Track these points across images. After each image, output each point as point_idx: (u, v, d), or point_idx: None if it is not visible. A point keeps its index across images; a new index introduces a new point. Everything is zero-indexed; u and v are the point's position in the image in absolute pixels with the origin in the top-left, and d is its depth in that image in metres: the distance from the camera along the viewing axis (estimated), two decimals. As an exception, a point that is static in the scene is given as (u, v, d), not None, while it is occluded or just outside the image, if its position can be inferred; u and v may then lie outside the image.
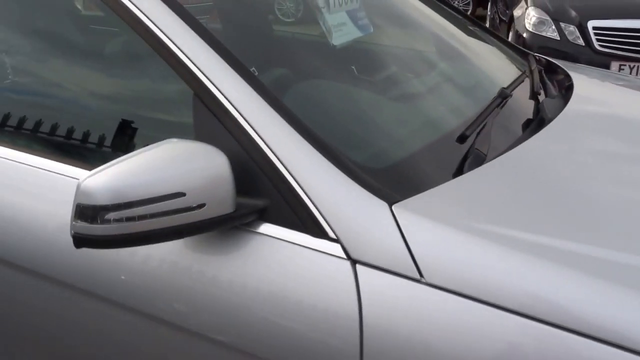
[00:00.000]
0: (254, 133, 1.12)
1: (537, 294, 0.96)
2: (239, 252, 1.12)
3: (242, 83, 1.16)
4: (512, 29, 6.20)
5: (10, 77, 1.58)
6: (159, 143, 1.08)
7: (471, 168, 1.22)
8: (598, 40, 5.31)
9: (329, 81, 1.57)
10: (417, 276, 1.02)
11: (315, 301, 1.05)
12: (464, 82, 1.77)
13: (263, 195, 1.11)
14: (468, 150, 1.26)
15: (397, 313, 1.01)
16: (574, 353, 0.93)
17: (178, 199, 1.02)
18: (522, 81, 1.76)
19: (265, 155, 1.11)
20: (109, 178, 1.00)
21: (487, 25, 8.34)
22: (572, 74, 1.95)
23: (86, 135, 1.35)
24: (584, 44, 5.34)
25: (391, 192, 1.09)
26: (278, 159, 1.11)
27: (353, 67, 1.76)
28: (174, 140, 1.09)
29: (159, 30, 1.19)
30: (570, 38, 5.45)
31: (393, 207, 1.07)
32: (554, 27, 5.54)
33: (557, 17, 5.54)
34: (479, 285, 0.99)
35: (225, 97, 1.15)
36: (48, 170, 1.28)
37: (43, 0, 1.62)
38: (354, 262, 1.05)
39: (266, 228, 1.11)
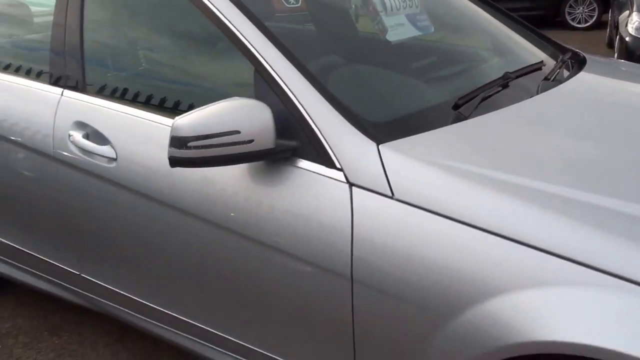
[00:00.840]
0: (292, 94, 1.63)
1: (475, 207, 1.39)
2: (280, 179, 1.64)
3: (285, 61, 1.67)
4: (618, 33, 6.35)
5: (142, 63, 2.19)
6: (227, 99, 1.61)
7: (444, 124, 1.66)
8: None
9: (348, 61, 2.05)
10: (390, 194, 1.48)
11: (329, 207, 1.53)
12: (470, 63, 2.18)
13: (295, 139, 1.62)
14: (449, 110, 1.70)
15: (374, 220, 1.48)
16: (506, 255, 1.33)
17: (235, 135, 1.55)
18: (539, 69, 2.12)
19: (297, 110, 1.62)
20: (192, 119, 1.55)
21: (608, 29, 8.53)
22: (595, 67, 2.27)
23: (183, 96, 1.93)
24: None
25: (380, 136, 1.56)
26: (307, 113, 1.61)
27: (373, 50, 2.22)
28: (237, 97, 1.62)
29: (236, 30, 1.73)
30: None
31: (379, 147, 1.54)
32: None
33: None
34: (435, 201, 1.43)
35: (275, 71, 1.66)
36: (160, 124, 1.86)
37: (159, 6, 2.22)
38: (350, 185, 1.54)
39: (298, 162, 1.62)
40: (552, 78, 2.06)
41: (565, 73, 2.19)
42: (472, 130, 1.69)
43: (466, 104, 1.75)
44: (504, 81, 1.93)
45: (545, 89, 1.99)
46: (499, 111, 1.79)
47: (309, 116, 1.61)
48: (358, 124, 1.60)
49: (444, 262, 1.40)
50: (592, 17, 10.65)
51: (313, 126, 1.61)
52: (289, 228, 1.61)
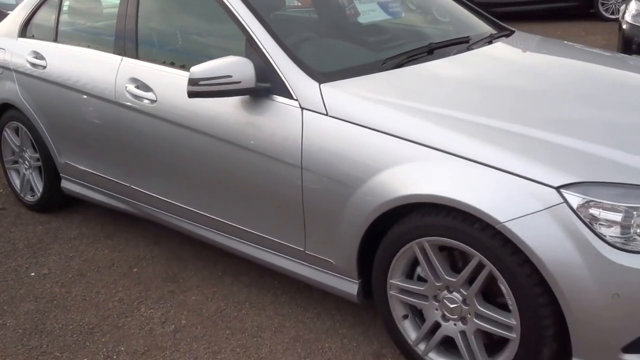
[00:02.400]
0: (268, 55, 2.56)
1: (377, 118, 2.28)
2: (260, 107, 2.56)
3: (266, 34, 2.59)
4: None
5: (179, 40, 3.15)
6: (227, 57, 2.54)
7: (372, 72, 2.56)
8: None
9: (319, 36, 2.98)
10: (325, 113, 2.40)
11: (289, 122, 2.45)
12: (416, 38, 3.10)
13: (269, 82, 2.54)
14: (378, 66, 2.61)
15: (315, 129, 2.39)
16: (393, 145, 2.19)
17: (229, 78, 2.48)
18: (466, 41, 3.00)
19: (270, 64, 2.54)
20: (203, 67, 2.48)
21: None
22: (514, 41, 3.17)
23: (191, 54, 2.87)
24: None
25: (321, 79, 2.47)
26: (277, 65, 2.53)
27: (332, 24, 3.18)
28: (232, 56, 2.55)
29: (239, 16, 2.66)
30: None
31: (320, 85, 2.45)
32: None
33: None
34: (351, 115, 2.33)
35: (258, 40, 2.59)
36: (182, 76, 2.80)
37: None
38: (302, 108, 2.45)
39: (270, 97, 2.54)
40: (469, 47, 2.94)
41: (486, 44, 3.06)
42: (386, 77, 2.58)
43: (390, 61, 2.65)
44: (428, 49, 2.82)
45: (458, 52, 2.87)
46: (414, 66, 2.67)
47: (278, 68, 2.54)
48: (309, 72, 2.51)
49: (356, 152, 2.29)
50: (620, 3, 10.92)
51: (280, 74, 2.53)
52: (266, 136, 2.52)
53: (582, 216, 1.90)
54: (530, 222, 1.94)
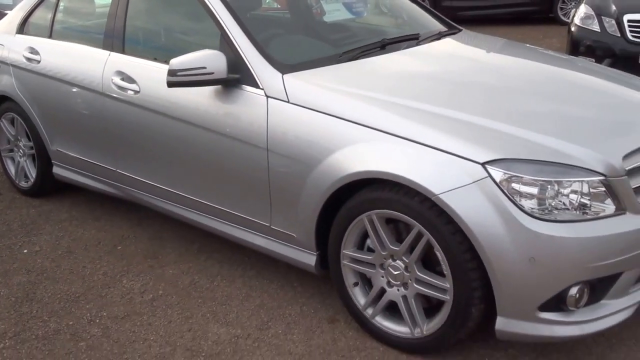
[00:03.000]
0: (239, 49, 2.83)
1: (330, 104, 2.55)
2: (231, 96, 2.83)
3: (239, 30, 2.87)
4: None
5: (162, 38, 3.43)
6: (202, 51, 2.81)
7: (330, 64, 2.84)
8: (631, 31, 6.10)
9: (287, 32, 3.27)
10: (287, 100, 2.67)
11: (256, 109, 2.72)
12: (372, 35, 3.38)
13: (239, 73, 2.81)
14: (336, 59, 2.89)
15: (279, 115, 2.66)
16: (345, 129, 2.46)
17: (203, 69, 2.75)
18: (415, 38, 3.29)
19: (240, 56, 2.82)
20: (181, 59, 2.75)
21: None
22: (467, 41, 3.46)
23: (173, 49, 3.14)
24: (619, 35, 6.08)
25: (284, 70, 2.75)
26: (245, 57, 2.81)
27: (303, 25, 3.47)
28: (208, 49, 2.82)
29: (217, 14, 2.93)
30: (609, 30, 6.26)
31: (283, 75, 2.73)
32: (596, 20, 6.46)
33: (600, 12, 6.38)
34: (309, 102, 2.60)
35: (231, 34, 2.87)
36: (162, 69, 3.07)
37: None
38: (267, 97, 2.73)
39: (240, 86, 2.81)
40: (418, 42, 3.23)
41: (434, 40, 3.35)
42: (341, 68, 2.86)
43: (346, 55, 2.93)
44: (381, 44, 3.11)
45: (408, 47, 3.16)
46: (367, 59, 2.96)
47: (247, 60, 2.81)
48: (273, 63, 2.79)
49: (313, 135, 2.56)
50: None
51: (248, 65, 2.80)
52: (236, 122, 2.80)
53: (504, 189, 2.17)
54: (461, 194, 2.20)
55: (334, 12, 3.65)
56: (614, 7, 6.26)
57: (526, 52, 3.48)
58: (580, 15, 6.58)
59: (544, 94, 2.72)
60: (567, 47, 6.85)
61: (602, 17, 6.30)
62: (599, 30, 6.30)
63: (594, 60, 6.29)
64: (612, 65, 6.15)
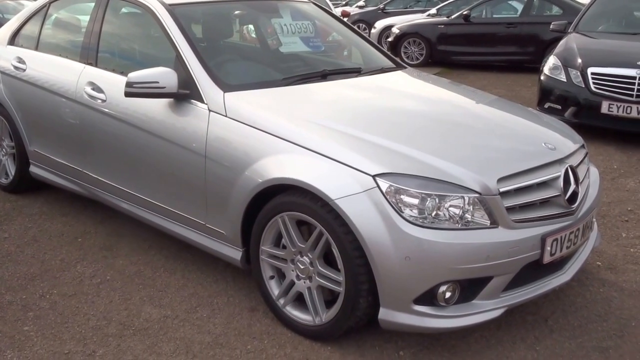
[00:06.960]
0: (191, 69, 3.27)
1: (262, 120, 2.98)
2: (180, 109, 3.26)
3: (191, 53, 3.32)
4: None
5: (125, 55, 3.89)
6: (157, 68, 3.25)
7: (270, 87, 3.27)
8: (594, 83, 6.59)
9: (242, 59, 3.71)
10: (225, 114, 3.10)
11: (199, 121, 3.15)
12: (320, 65, 3.82)
13: (188, 89, 3.24)
14: (278, 83, 3.32)
15: (217, 127, 3.09)
16: (269, 141, 2.87)
17: (156, 83, 3.19)
18: (358, 70, 3.74)
19: (190, 75, 3.25)
20: (138, 73, 3.19)
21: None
22: (403, 76, 3.91)
23: (137, 65, 3.58)
24: (583, 86, 6.57)
25: (226, 89, 3.18)
26: (194, 76, 3.25)
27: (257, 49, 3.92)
28: (161, 67, 3.26)
29: (175, 40, 3.39)
30: (574, 81, 6.72)
31: (225, 94, 3.16)
32: (563, 72, 6.94)
33: (567, 63, 6.85)
34: (244, 117, 3.02)
35: (185, 56, 3.31)
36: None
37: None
38: (210, 110, 3.16)
39: (188, 100, 3.25)
40: (358, 75, 3.68)
41: (375, 74, 3.79)
42: (278, 91, 3.30)
43: (286, 80, 3.37)
44: (322, 74, 3.55)
45: (347, 78, 3.60)
46: (304, 85, 3.39)
47: (195, 78, 3.25)
48: (218, 82, 3.23)
49: (242, 145, 2.98)
50: (422, 54, 12.71)
51: (196, 83, 3.24)
52: (182, 131, 3.22)
53: (388, 198, 2.56)
54: (353, 200, 2.60)
55: (291, 44, 4.09)
56: (579, 60, 6.72)
57: (450, 87, 3.91)
58: (549, 65, 7.07)
59: (444, 121, 3.15)
60: (537, 94, 7.30)
61: (569, 68, 6.78)
62: (565, 81, 6.77)
63: (559, 108, 6.76)
64: (576, 113, 6.63)
